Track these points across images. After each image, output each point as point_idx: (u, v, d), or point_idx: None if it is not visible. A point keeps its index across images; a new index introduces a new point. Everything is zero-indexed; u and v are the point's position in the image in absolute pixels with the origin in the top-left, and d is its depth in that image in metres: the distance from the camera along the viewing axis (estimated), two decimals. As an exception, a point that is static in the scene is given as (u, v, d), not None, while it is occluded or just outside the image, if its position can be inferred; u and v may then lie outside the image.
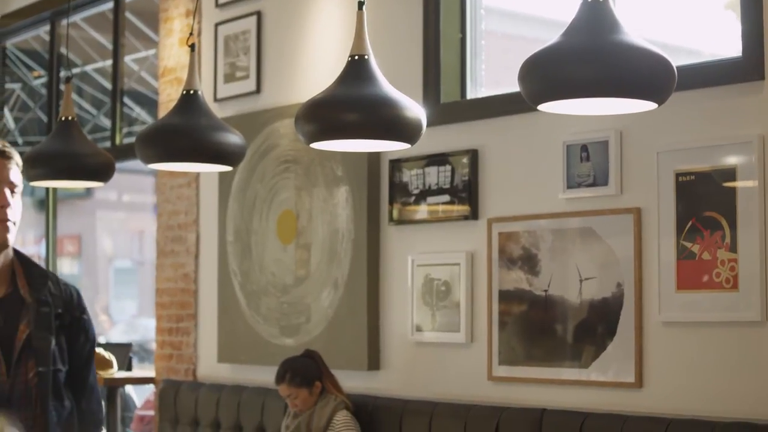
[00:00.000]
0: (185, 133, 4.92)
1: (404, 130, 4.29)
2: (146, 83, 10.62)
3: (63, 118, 5.89)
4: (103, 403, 3.74)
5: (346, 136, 4.28)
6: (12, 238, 3.36)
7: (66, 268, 16.79)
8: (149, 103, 10.41)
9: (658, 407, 4.90)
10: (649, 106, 3.56)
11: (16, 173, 3.43)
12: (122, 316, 16.55)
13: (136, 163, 8.25)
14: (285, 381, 5.82)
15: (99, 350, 7.67)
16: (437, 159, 5.88)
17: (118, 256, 17.62)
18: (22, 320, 3.36)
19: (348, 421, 5.73)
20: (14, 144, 11.24)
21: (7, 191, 3.38)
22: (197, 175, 7.53)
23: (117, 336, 14.47)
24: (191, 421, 7.04)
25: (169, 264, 7.77)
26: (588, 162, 5.24)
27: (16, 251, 3.45)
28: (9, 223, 3.35)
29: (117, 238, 17.67)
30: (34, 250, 16.79)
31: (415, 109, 4.33)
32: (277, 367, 5.90)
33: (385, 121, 4.24)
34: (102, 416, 3.67)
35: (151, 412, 9.22)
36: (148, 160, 5.01)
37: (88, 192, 15.54)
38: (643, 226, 5.04)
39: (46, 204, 10.08)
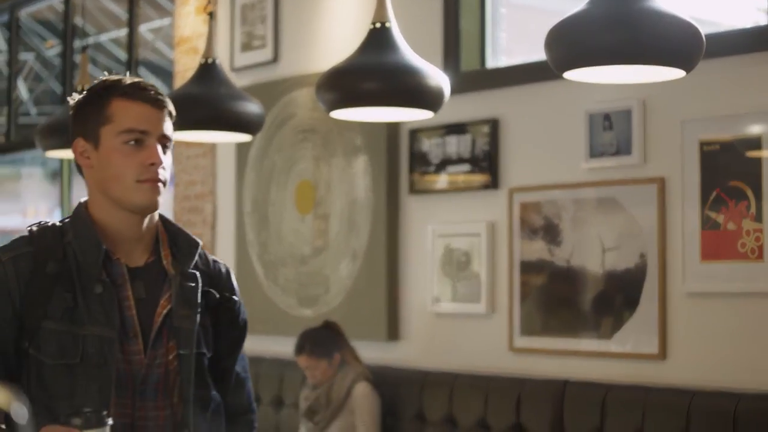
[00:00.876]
0: (204, 102, 4.93)
1: (427, 99, 4.26)
2: (160, 53, 10.57)
3: (79, 89, 5.87)
4: (254, 403, 3.15)
5: (369, 104, 4.24)
6: (161, 201, 2.82)
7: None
8: (163, 74, 10.36)
9: (682, 379, 4.86)
10: (677, 73, 3.51)
11: (169, 126, 2.84)
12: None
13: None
14: (304, 352, 5.79)
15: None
16: (457, 128, 5.83)
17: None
18: (163, 295, 2.84)
19: (368, 393, 5.69)
20: (26, 115, 11.20)
21: (159, 147, 2.79)
22: (214, 145, 7.48)
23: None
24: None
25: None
26: (611, 131, 5.18)
27: (162, 216, 2.92)
28: (159, 185, 2.77)
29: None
30: (43, 218, 16.78)
31: (437, 77, 4.29)
32: (296, 339, 5.86)
33: (407, 89, 4.21)
34: (254, 416, 3.13)
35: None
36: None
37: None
38: (666, 196, 4.99)
39: (60, 175, 10.05)
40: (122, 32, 9.87)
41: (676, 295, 4.94)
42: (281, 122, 6.84)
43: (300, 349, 5.81)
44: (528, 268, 5.47)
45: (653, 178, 5.02)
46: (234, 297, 3.02)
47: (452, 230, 5.84)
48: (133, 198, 2.76)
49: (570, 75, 3.59)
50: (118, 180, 2.76)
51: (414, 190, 6.05)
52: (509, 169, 5.63)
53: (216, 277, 2.99)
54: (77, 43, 9.51)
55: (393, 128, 6.16)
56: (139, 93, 2.81)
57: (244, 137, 5.23)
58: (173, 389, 2.81)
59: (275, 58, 6.97)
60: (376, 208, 6.21)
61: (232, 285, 3.04)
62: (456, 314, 5.83)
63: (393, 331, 6.10)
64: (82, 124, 2.82)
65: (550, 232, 5.39)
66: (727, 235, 4.77)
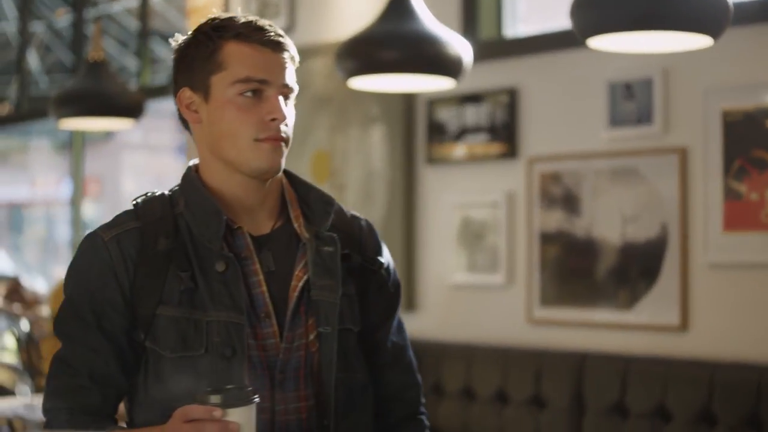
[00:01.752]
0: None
1: (448, 67, 4.22)
2: (173, 23, 10.51)
3: (92, 59, 5.86)
4: (420, 379, 2.65)
5: (390, 72, 4.20)
6: (284, 161, 2.38)
7: (88, 210, 16.77)
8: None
9: (704, 351, 4.82)
10: (705, 41, 3.46)
11: (291, 73, 2.40)
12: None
13: (157, 105, 8.20)
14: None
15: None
16: (475, 98, 5.78)
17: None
18: (298, 264, 2.38)
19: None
20: (34, 84, 11.15)
21: (281, 99, 2.36)
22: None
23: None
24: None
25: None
26: (632, 101, 5.13)
27: (287, 172, 2.48)
28: (282, 144, 2.34)
29: (138, 180, 17.63)
30: (53, 192, 16.80)
31: (459, 45, 4.24)
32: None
33: (429, 57, 4.18)
34: (419, 392, 2.63)
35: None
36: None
37: (108, 135, 15.48)
38: (688, 166, 4.94)
39: (72, 145, 10.02)
40: (134, 1, 9.82)
41: (697, 266, 4.90)
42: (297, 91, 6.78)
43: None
44: (547, 238, 5.43)
45: (675, 148, 4.97)
46: (380, 258, 2.54)
47: (470, 201, 5.79)
48: (251, 160, 2.33)
49: (595, 43, 3.54)
50: (232, 139, 2.33)
51: (431, 160, 6.00)
52: (528, 138, 5.58)
53: (356, 237, 2.52)
54: (88, 13, 9.46)
55: (410, 98, 6.10)
56: (256, 34, 2.36)
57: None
58: (317, 375, 2.36)
59: (290, 27, 6.90)
60: (392, 178, 6.16)
61: (376, 243, 2.56)
62: (474, 285, 5.79)
63: (410, 302, 6.07)
64: (187, 71, 2.37)
65: (570, 203, 5.34)
66: (749, 206, 4.72)
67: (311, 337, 2.36)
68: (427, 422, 2.62)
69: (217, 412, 2.08)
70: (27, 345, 7.69)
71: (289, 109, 2.37)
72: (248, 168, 2.34)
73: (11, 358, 9.05)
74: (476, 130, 5.77)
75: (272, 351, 2.33)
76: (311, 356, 2.35)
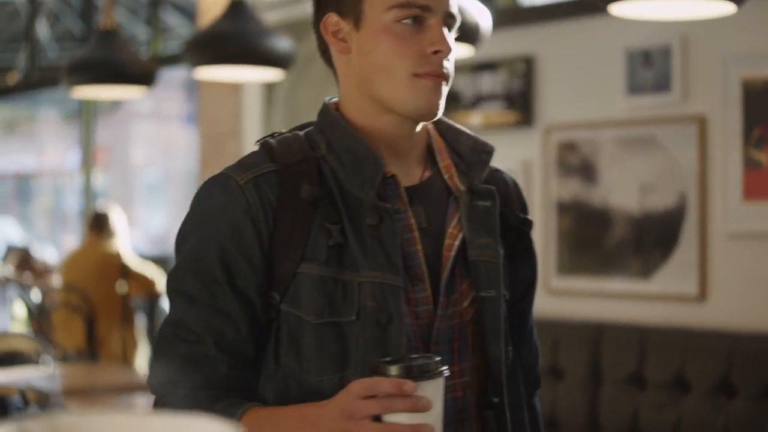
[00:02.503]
0: (234, 39, 4.90)
1: (466, 34, 4.16)
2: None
3: (104, 27, 5.85)
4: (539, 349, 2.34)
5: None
6: (444, 102, 2.03)
7: (96, 180, 16.74)
8: (187, 14, 10.25)
9: (722, 321, 4.78)
10: (726, 8, 3.40)
11: (455, 1, 2.04)
12: (152, 228, 16.52)
13: (166, 74, 8.16)
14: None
15: (140, 269, 7.61)
16: (491, 65, 5.72)
17: (148, 168, 17.56)
18: (450, 220, 2.06)
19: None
20: (43, 53, 11.11)
21: (445, 31, 2.00)
22: (238, 84, 7.40)
23: (149, 249, 14.45)
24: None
25: (213, 173, 7.66)
26: (650, 69, 5.07)
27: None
28: (443, 83, 2.00)
29: (146, 149, 17.59)
30: (61, 162, 16.77)
31: (478, 11, 4.18)
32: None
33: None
34: (540, 371, 2.32)
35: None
36: (198, 65, 4.95)
37: (116, 105, 15.44)
38: (707, 134, 4.89)
39: (83, 114, 9.98)
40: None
41: (716, 236, 4.85)
42: (309, 59, 6.74)
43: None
44: (564, 207, 5.39)
45: (694, 117, 4.92)
46: (528, 217, 2.20)
47: (485, 170, 5.73)
48: (407, 98, 1.99)
49: (615, 9, 3.49)
50: (386, 72, 1.99)
51: (446, 129, 5.95)
52: (545, 107, 5.53)
53: (502, 192, 2.16)
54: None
55: (424, 65, 6.04)
56: None
57: (274, 74, 5.16)
58: (471, 348, 2.04)
59: (302, -4, 6.86)
60: (406, 147, 6.11)
61: (523, 201, 2.24)
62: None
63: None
64: None
65: (587, 171, 5.30)
66: (769, 175, 4.68)
67: (465, 303, 2.03)
68: (539, 409, 2.31)
69: (409, 386, 1.76)
70: (39, 315, 7.67)
71: (452, 42, 2.01)
72: (403, 108, 2.00)
73: (22, 327, 9.05)
74: (492, 98, 5.72)
75: (425, 319, 1.99)
76: (464, 326, 2.03)
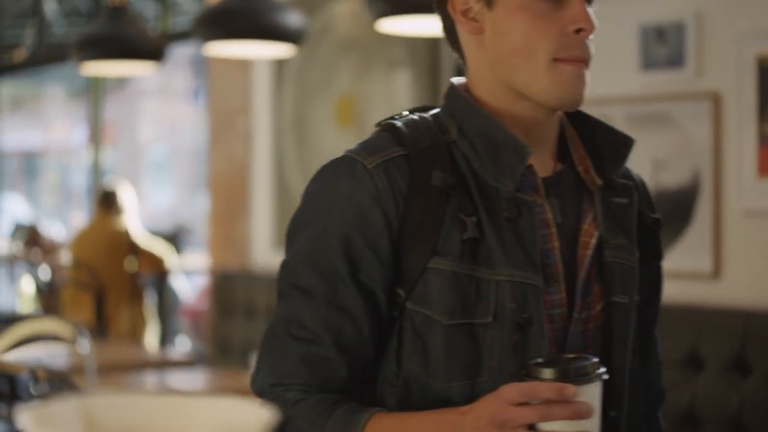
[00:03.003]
0: (245, 14, 4.87)
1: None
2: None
3: (113, 3, 5.84)
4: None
5: (422, 12, 4.12)
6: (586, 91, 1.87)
7: (103, 157, 16.72)
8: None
9: (737, 298, 4.76)
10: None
11: None
12: (159, 205, 16.51)
13: (173, 52, 8.13)
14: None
15: (149, 246, 7.60)
16: (502, 42, 5.68)
17: (154, 145, 17.54)
18: (586, 217, 1.90)
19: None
20: (50, 30, 11.07)
21: (587, 7, 1.85)
22: (248, 60, 7.37)
23: (156, 225, 14.44)
24: (246, 311, 6.97)
25: (221, 149, 7.65)
26: (664, 44, 5.03)
27: None
28: (586, 68, 1.87)
29: (153, 126, 17.57)
30: (67, 139, 16.75)
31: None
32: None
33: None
34: (663, 388, 2.16)
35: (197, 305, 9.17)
36: (207, 41, 4.93)
37: (122, 82, 15.42)
38: (722, 111, 4.85)
39: (91, 90, 9.95)
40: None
41: (731, 213, 4.82)
42: (321, 35, 6.70)
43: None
44: (576, 185, 5.35)
45: (708, 93, 4.89)
46: (659, 217, 2.04)
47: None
48: (548, 86, 1.82)
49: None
50: (525, 55, 1.82)
51: (457, 105, 5.91)
52: (557, 83, 5.48)
53: (640, 191, 2.03)
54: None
55: (436, 41, 6.01)
56: None
57: (285, 49, 5.13)
58: (600, 355, 1.83)
59: (312, -30, 6.82)
60: (417, 123, 6.08)
61: (651, 199, 2.08)
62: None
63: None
64: None
65: (600, 149, 5.26)
66: (785, 152, 4.65)
67: (598, 307, 1.88)
68: (662, 425, 2.16)
69: (570, 390, 1.61)
70: (48, 292, 7.66)
71: (594, 19, 1.86)
72: (544, 96, 1.83)
73: (30, 304, 9.04)
74: (504, 74, 5.67)
75: (559, 323, 1.84)
76: (596, 331, 1.88)
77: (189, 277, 10.32)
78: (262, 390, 1.83)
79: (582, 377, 1.63)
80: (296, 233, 1.86)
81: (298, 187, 6.82)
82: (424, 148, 1.82)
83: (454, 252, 1.78)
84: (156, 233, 8.70)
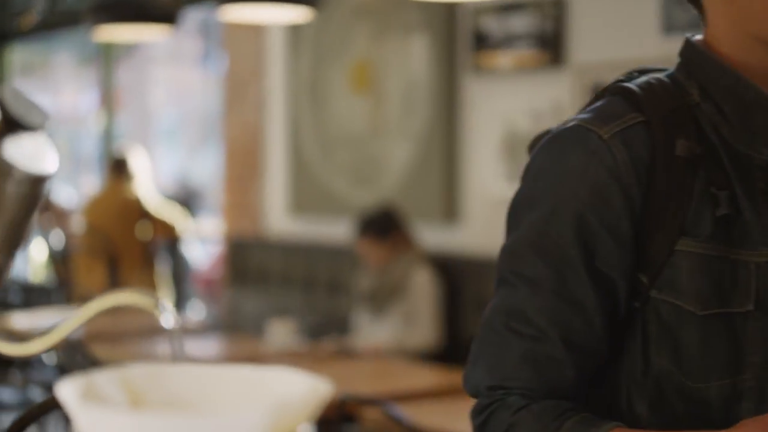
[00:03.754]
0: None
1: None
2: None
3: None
4: None
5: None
6: None
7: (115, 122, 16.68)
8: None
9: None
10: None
11: None
12: (169, 170, 16.50)
13: (183, 17, 8.06)
14: (363, 236, 5.66)
15: (160, 213, 7.57)
16: (521, 5, 5.62)
17: (164, 110, 17.52)
18: None
19: (428, 279, 5.57)
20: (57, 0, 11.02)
21: None
22: (261, 25, 7.32)
23: (167, 190, 14.41)
24: (260, 278, 6.94)
25: (236, 115, 7.61)
26: (686, 6, 4.95)
27: None
28: None
29: (162, 92, 17.54)
30: (76, 106, 16.72)
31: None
32: (355, 223, 5.75)
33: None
34: None
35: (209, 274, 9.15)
36: (222, 4, 4.88)
37: (131, 48, 15.36)
38: (744, 75, 4.79)
39: (103, 56, 9.91)
40: None
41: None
42: (337, 0, 6.65)
43: (359, 232, 5.68)
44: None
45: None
46: None
47: (515, 111, 5.65)
48: None
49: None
50: None
51: (475, 69, 5.86)
52: (576, 47, 5.42)
53: None
54: None
55: (452, 6, 5.95)
56: None
57: (301, 13, 5.07)
58: None
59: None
60: (435, 88, 6.03)
61: None
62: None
63: (452, 215, 5.97)
64: None
65: (619, 113, 5.19)
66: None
67: None
68: None
69: None
70: (61, 259, 7.64)
71: None
72: None
73: (42, 270, 9.02)
74: (522, 38, 5.61)
75: None
76: None
77: (202, 244, 10.30)
78: (477, 391, 1.60)
79: None
80: (520, 214, 1.63)
81: (313, 153, 6.79)
82: (665, 113, 1.60)
83: (704, 231, 1.55)
84: (168, 197, 8.67)
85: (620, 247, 1.55)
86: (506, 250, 1.64)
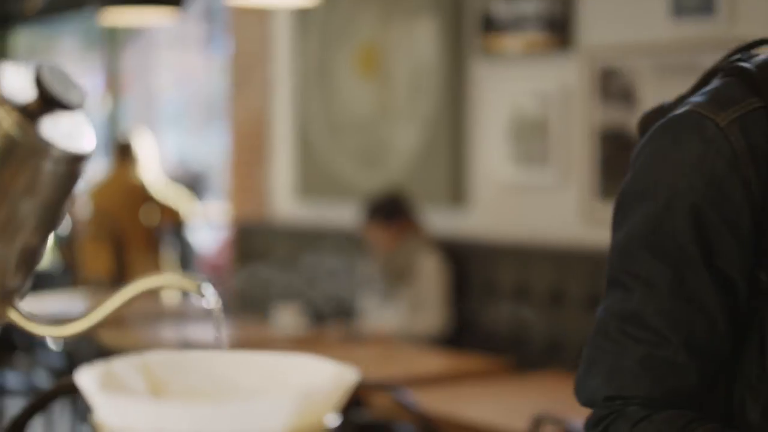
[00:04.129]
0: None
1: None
2: None
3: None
4: None
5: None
6: None
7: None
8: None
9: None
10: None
11: None
12: (173, 154, 16.48)
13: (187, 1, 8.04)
14: (369, 221, 5.64)
15: (165, 198, 7.55)
16: (529, -12, 5.59)
17: (169, 94, 17.49)
18: None
19: (436, 264, 5.56)
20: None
21: None
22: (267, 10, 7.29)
23: (172, 174, 14.38)
24: (264, 261, 6.92)
25: (242, 98, 7.58)
26: (696, -10, 4.93)
27: None
28: None
29: (167, 76, 17.51)
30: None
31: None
32: (363, 207, 5.73)
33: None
34: None
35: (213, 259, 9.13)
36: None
37: (135, 33, 15.33)
38: (755, 59, 4.75)
39: (108, 41, 9.88)
40: None
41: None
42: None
43: (367, 217, 5.66)
44: (603, 134, 5.27)
45: (740, 41, 4.78)
46: None
47: (524, 94, 5.62)
48: None
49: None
50: None
51: (483, 52, 5.83)
52: (585, 30, 5.39)
53: None
54: None
55: (459, -12, 5.92)
56: None
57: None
58: None
59: None
60: (442, 71, 5.99)
61: None
62: (527, 183, 5.64)
63: (459, 198, 5.94)
64: None
65: (628, 98, 5.17)
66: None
67: None
68: None
69: None
70: (67, 243, 7.62)
71: None
72: None
73: (48, 255, 9.00)
74: (530, 20, 5.58)
75: None
76: None
77: (208, 228, 10.28)
78: (593, 401, 1.49)
79: None
80: (630, 206, 1.52)
81: (320, 136, 6.76)
82: None
83: None
84: (174, 181, 8.65)
85: (740, 244, 1.44)
86: (617, 247, 1.53)
